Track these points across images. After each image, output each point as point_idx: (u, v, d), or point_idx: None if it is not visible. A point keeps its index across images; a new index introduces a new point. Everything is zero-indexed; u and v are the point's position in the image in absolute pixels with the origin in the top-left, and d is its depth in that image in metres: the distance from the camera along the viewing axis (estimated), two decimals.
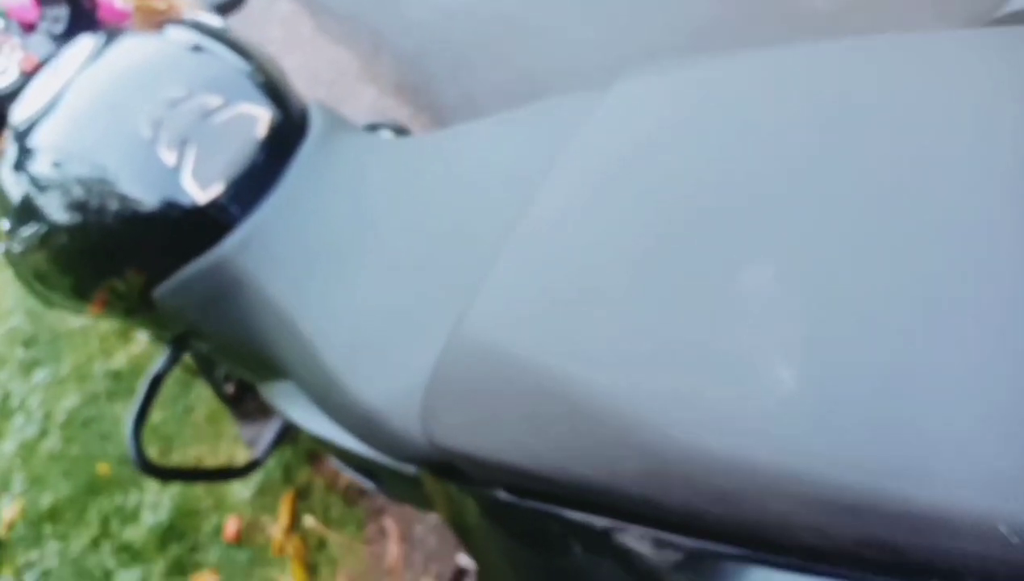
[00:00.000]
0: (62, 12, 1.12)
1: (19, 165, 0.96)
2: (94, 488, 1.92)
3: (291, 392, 0.95)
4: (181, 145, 0.87)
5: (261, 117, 0.91)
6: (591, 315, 0.48)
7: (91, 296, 1.03)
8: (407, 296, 0.71)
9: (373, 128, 1.34)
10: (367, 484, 0.95)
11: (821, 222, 0.42)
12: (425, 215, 0.78)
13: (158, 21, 1.07)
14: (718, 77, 0.57)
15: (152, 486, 1.90)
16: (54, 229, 0.94)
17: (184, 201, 0.87)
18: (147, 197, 0.88)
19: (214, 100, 0.90)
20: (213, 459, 1.96)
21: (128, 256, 0.94)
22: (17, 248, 1.00)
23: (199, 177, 0.87)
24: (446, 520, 0.72)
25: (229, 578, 1.70)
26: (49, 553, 1.81)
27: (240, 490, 1.82)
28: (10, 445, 1.87)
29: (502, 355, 0.50)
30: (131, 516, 1.83)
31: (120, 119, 0.90)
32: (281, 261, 0.83)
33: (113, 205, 0.88)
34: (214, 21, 1.06)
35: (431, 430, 0.56)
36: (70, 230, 0.93)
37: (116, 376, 2.22)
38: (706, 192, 0.49)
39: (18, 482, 1.90)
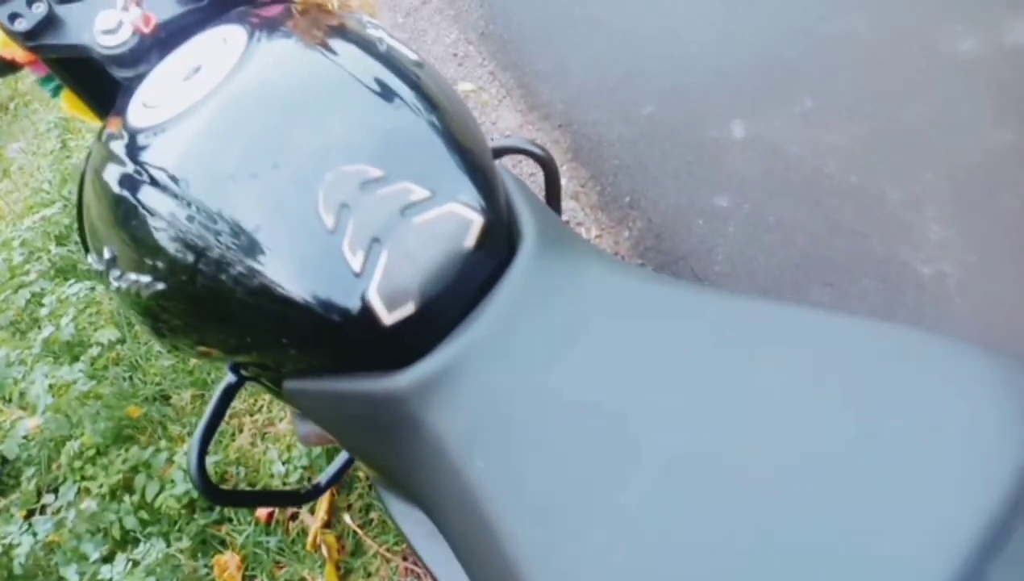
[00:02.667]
0: None
1: (135, 184, 0.71)
2: (121, 433, 1.72)
3: (423, 523, 0.75)
4: (372, 246, 0.63)
5: (472, 222, 0.66)
6: None
7: (207, 354, 0.80)
8: (666, 555, 0.49)
9: (508, 151, 1.08)
10: None
11: None
12: (695, 424, 0.55)
13: (324, 18, 0.81)
14: None
15: (184, 442, 1.70)
16: (177, 290, 0.71)
17: (362, 316, 0.64)
18: (315, 295, 0.64)
19: (419, 191, 0.65)
20: (251, 420, 1.76)
21: (269, 345, 0.71)
22: (119, 284, 0.76)
23: (387, 292, 0.63)
24: None
25: (254, 567, 1.53)
26: (64, 497, 1.62)
27: (278, 468, 1.63)
28: (38, 375, 1.65)
29: None
30: (158, 473, 1.63)
31: (293, 185, 0.65)
32: (470, 419, 0.61)
33: (267, 290, 0.65)
34: (407, 50, 0.79)
35: None
36: (199, 298, 0.70)
37: None
38: None
39: (42, 402, 1.68)
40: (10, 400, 1.92)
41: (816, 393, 0.54)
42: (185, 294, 0.71)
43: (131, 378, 1.86)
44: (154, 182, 0.70)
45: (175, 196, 0.68)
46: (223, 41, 0.77)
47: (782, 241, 1.71)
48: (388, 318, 0.64)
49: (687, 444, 0.55)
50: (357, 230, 0.63)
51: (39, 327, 2.00)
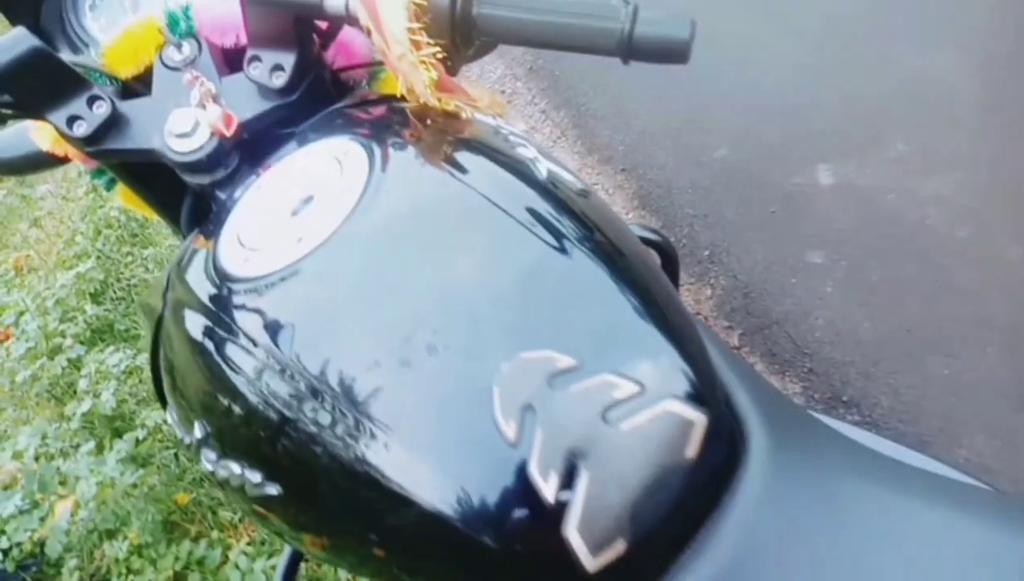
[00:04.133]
0: (286, 59, 0.68)
1: (238, 355, 0.54)
2: (171, 524, 1.55)
3: None
4: (569, 464, 0.46)
5: (694, 423, 0.47)
6: None
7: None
8: None
9: None
10: None
11: None
12: None
13: (455, 129, 0.63)
14: None
15: (237, 530, 1.53)
16: (296, 495, 0.53)
17: (554, 558, 0.46)
18: (490, 528, 0.46)
19: (624, 385, 0.46)
20: None
21: (413, 573, 0.54)
22: (216, 470, 0.59)
23: (591, 528, 0.45)
24: None
25: None
26: None
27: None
28: (82, 465, 1.47)
29: None
30: (211, 569, 1.46)
31: (458, 378, 0.47)
32: None
33: (424, 514, 0.47)
34: (568, 173, 0.61)
35: None
36: (322, 507, 0.53)
37: None
38: None
39: (86, 495, 1.51)
40: None
41: None
42: (305, 499, 0.54)
43: (176, 457, 1.68)
44: (268, 358, 0.52)
45: (296, 380, 0.50)
46: (335, 162, 0.59)
47: (889, 304, 1.52)
48: (592, 563, 0.46)
49: None
50: (548, 443, 0.45)
51: (76, 393, 1.84)
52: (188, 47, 0.71)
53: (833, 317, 1.54)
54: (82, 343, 1.93)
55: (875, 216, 1.66)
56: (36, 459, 1.55)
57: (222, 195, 0.69)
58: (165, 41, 0.72)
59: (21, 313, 2.05)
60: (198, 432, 0.59)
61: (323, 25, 0.72)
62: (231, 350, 0.55)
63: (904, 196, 1.67)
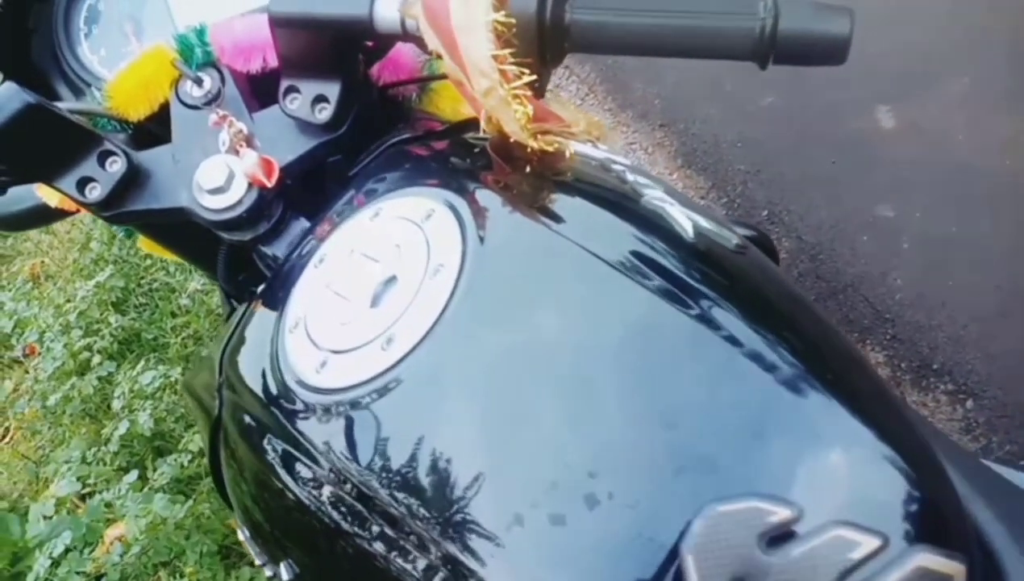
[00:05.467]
0: (330, 89, 0.56)
1: (327, 491, 0.43)
2: (226, 549, 1.47)
3: None
4: None
5: (952, 579, 0.36)
6: None
7: None
8: None
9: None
10: None
11: None
12: None
13: (558, 172, 0.50)
14: None
15: None
16: None
17: None
18: None
19: (863, 540, 0.34)
20: None
21: None
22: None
23: None
24: None
25: None
26: None
27: None
28: (130, 504, 1.38)
29: None
30: None
31: (634, 541, 0.35)
32: None
33: None
34: (716, 224, 0.48)
35: None
36: None
37: None
38: None
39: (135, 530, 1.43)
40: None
41: None
42: None
43: None
44: (367, 501, 0.41)
45: (411, 533, 0.39)
46: (416, 229, 0.46)
47: (974, 258, 1.39)
48: None
49: None
50: None
51: (110, 409, 1.76)
52: (208, 79, 0.59)
53: (913, 276, 1.41)
54: (111, 358, 1.84)
55: (944, 161, 1.52)
56: (82, 498, 1.47)
57: (268, 251, 0.57)
58: (180, 73, 0.59)
59: (43, 331, 1.95)
60: (285, 574, 0.49)
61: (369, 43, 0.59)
62: (317, 485, 0.44)
63: (973, 138, 1.52)
